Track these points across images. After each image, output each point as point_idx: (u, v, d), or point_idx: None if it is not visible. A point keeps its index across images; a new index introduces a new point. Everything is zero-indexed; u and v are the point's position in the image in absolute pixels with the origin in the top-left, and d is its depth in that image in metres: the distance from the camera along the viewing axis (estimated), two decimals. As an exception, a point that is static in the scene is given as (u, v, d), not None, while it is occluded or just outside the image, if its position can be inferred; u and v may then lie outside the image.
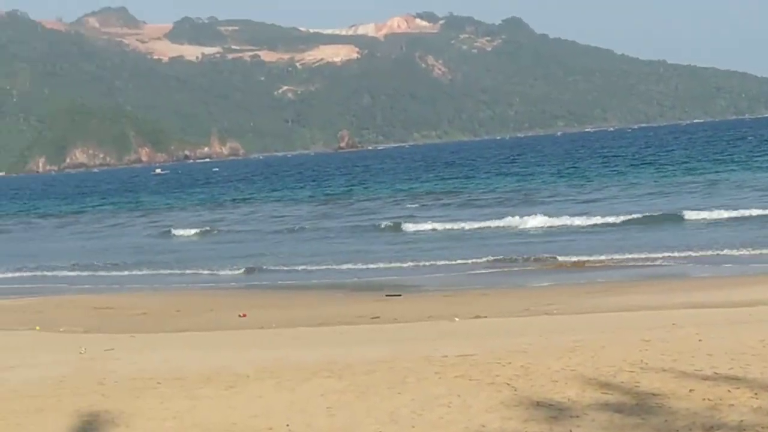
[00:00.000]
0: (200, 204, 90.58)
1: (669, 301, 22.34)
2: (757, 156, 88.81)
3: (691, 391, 11.22)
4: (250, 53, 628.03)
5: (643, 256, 33.56)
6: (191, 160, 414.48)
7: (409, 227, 50.34)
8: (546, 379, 12.32)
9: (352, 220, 59.22)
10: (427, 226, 50.02)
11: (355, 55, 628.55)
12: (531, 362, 13.45)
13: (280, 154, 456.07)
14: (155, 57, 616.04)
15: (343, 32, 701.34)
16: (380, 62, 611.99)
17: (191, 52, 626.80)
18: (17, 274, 42.57)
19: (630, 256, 33.78)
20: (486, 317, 21.67)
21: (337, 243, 47.00)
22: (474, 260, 35.94)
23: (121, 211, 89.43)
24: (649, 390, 11.42)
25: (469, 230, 47.54)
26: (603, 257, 33.94)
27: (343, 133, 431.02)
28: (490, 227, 47.84)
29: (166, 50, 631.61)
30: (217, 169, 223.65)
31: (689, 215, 44.73)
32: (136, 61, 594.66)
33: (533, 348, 14.76)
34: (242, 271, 38.32)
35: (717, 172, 73.67)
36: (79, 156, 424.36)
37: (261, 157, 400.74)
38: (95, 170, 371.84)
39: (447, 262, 36.13)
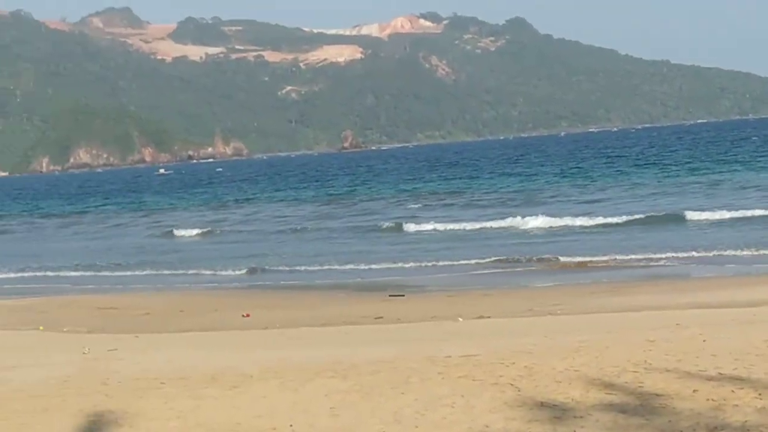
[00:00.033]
0: (203, 204, 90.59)
1: (673, 302, 22.32)
2: (760, 156, 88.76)
3: (695, 391, 11.22)
4: (254, 53, 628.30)
5: (646, 256, 33.53)
6: (195, 161, 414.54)
7: (412, 227, 50.33)
8: (550, 380, 12.32)
9: (355, 220, 59.22)
10: (429, 226, 50.01)
11: (358, 56, 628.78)
12: (535, 362, 13.44)
13: (283, 154, 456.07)
14: (159, 57, 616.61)
15: (347, 32, 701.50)
16: (384, 62, 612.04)
17: (195, 52, 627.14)
18: (21, 275, 42.59)
19: (633, 256, 33.75)
20: (490, 317, 21.66)
21: (340, 243, 47.00)
22: (477, 260, 35.93)
23: (124, 211, 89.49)
24: (653, 390, 11.41)
25: (471, 230, 47.52)
26: (606, 258, 33.92)
27: (347, 134, 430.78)
28: (492, 228, 47.83)
29: (169, 50, 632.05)
30: (220, 170, 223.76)
31: (692, 215, 44.69)
32: (140, 61, 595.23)
33: (537, 348, 14.76)
34: (245, 271, 38.32)
35: (721, 172, 73.66)
36: (82, 156, 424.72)
37: (264, 158, 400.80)
38: (99, 170, 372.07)
39: (450, 263, 36.11)
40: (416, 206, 66.20)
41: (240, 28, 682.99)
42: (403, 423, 10.91)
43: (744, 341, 14.11)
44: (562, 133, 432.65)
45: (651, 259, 32.95)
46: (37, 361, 17.18)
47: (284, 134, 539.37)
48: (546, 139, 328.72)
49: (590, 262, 33.50)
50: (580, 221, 46.70)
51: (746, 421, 9.97)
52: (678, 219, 44.74)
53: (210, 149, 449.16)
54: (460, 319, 21.33)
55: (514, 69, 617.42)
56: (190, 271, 39.67)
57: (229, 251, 46.52)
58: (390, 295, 28.16)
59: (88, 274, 41.48)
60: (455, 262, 36.06)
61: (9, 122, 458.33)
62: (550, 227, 46.17)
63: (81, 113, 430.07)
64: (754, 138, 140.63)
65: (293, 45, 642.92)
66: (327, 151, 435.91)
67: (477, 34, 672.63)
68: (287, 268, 38.11)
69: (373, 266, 36.59)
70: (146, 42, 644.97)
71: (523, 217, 48.87)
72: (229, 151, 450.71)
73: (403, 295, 28.06)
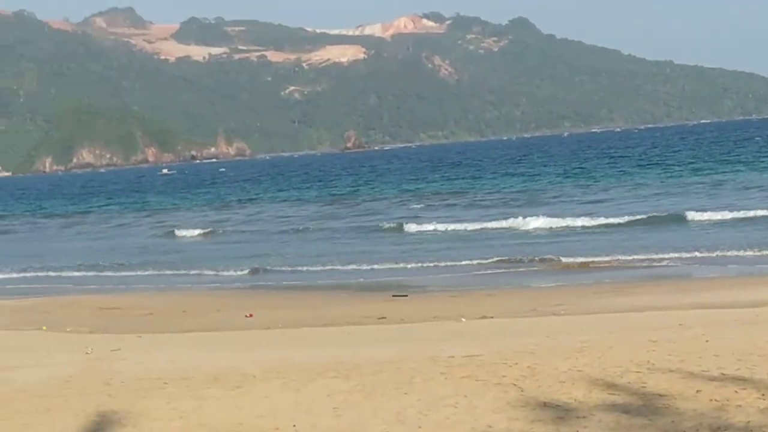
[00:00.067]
0: (206, 204, 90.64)
1: (676, 302, 22.30)
2: (764, 156, 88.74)
3: (698, 391, 11.21)
4: (257, 53, 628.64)
5: (649, 256, 33.50)
6: (198, 161, 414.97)
7: (413, 228, 50.31)
8: (553, 380, 12.32)
9: (358, 220, 59.20)
10: (431, 226, 49.99)
11: (361, 56, 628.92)
12: (538, 363, 13.44)
13: (286, 154, 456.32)
14: (162, 57, 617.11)
15: (350, 32, 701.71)
16: (387, 62, 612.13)
17: (198, 52, 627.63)
18: (23, 275, 42.60)
19: (636, 257, 33.71)
20: (492, 318, 21.66)
21: (343, 243, 46.98)
22: (479, 261, 35.91)
23: (127, 211, 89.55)
24: (656, 391, 11.41)
25: (473, 231, 47.49)
26: (608, 258, 33.89)
27: (350, 134, 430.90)
28: (493, 228, 47.80)
29: (172, 50, 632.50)
30: (223, 170, 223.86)
31: (695, 216, 44.63)
32: (143, 61, 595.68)
33: (540, 348, 14.75)
34: (247, 271, 38.32)
35: (724, 172, 73.63)
36: (85, 156, 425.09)
37: (267, 158, 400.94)
38: (102, 170, 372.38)
39: (452, 263, 36.09)
40: (419, 206, 66.20)
41: (243, 28, 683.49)
42: (406, 423, 10.91)
43: (747, 342, 14.10)
44: (565, 134, 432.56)
45: (653, 260, 32.90)
46: (40, 361, 17.19)
47: (287, 134, 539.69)
48: (549, 139, 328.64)
49: (593, 262, 33.47)
50: (581, 221, 46.68)
51: (749, 422, 9.96)
52: (681, 219, 44.69)
53: (213, 149, 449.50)
54: (463, 320, 21.32)
55: (517, 69, 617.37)
56: (193, 272, 39.67)
57: (231, 251, 46.52)
58: (393, 296, 28.15)
59: (90, 274, 41.49)
60: (458, 263, 36.02)
61: (12, 122, 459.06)
62: (551, 228, 46.15)
63: (84, 113, 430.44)
64: (757, 138, 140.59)
65: (296, 45, 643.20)
66: (330, 151, 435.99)
67: (480, 34, 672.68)
68: (290, 269, 38.11)
69: (376, 266, 36.57)
70: (149, 42, 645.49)
71: (525, 217, 48.85)
72: (232, 151, 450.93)
73: (406, 296, 28.05)
